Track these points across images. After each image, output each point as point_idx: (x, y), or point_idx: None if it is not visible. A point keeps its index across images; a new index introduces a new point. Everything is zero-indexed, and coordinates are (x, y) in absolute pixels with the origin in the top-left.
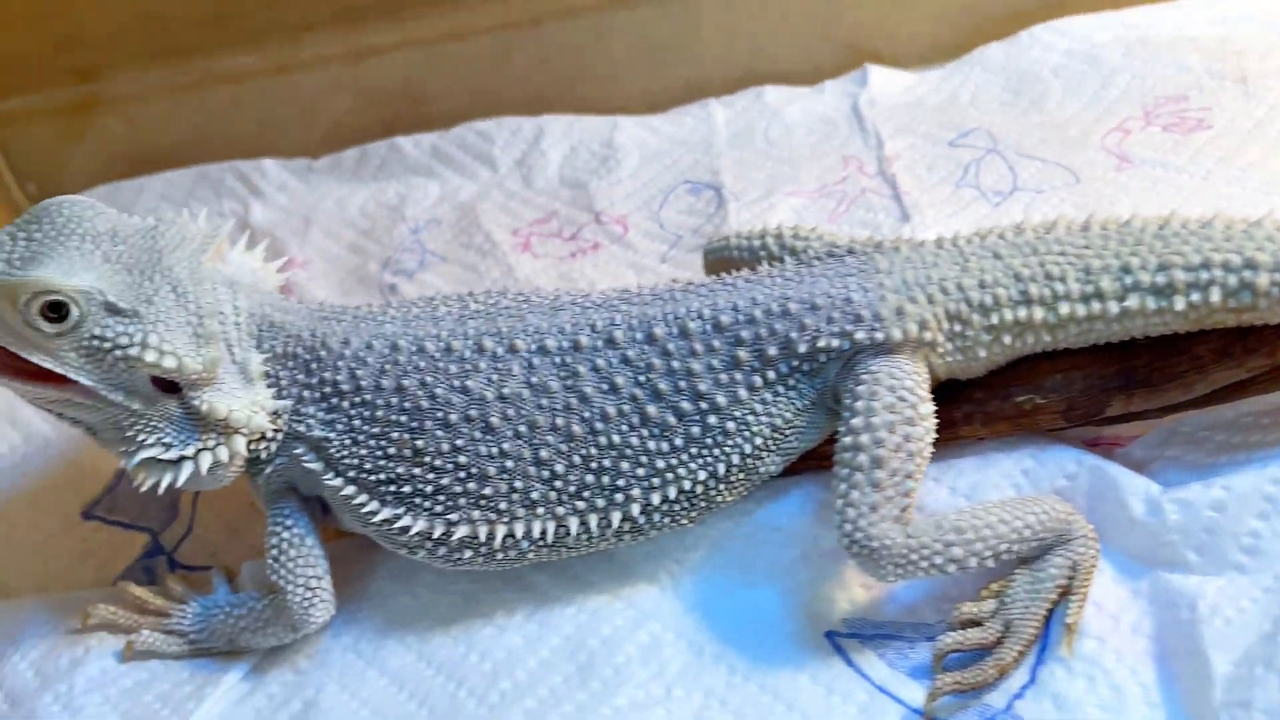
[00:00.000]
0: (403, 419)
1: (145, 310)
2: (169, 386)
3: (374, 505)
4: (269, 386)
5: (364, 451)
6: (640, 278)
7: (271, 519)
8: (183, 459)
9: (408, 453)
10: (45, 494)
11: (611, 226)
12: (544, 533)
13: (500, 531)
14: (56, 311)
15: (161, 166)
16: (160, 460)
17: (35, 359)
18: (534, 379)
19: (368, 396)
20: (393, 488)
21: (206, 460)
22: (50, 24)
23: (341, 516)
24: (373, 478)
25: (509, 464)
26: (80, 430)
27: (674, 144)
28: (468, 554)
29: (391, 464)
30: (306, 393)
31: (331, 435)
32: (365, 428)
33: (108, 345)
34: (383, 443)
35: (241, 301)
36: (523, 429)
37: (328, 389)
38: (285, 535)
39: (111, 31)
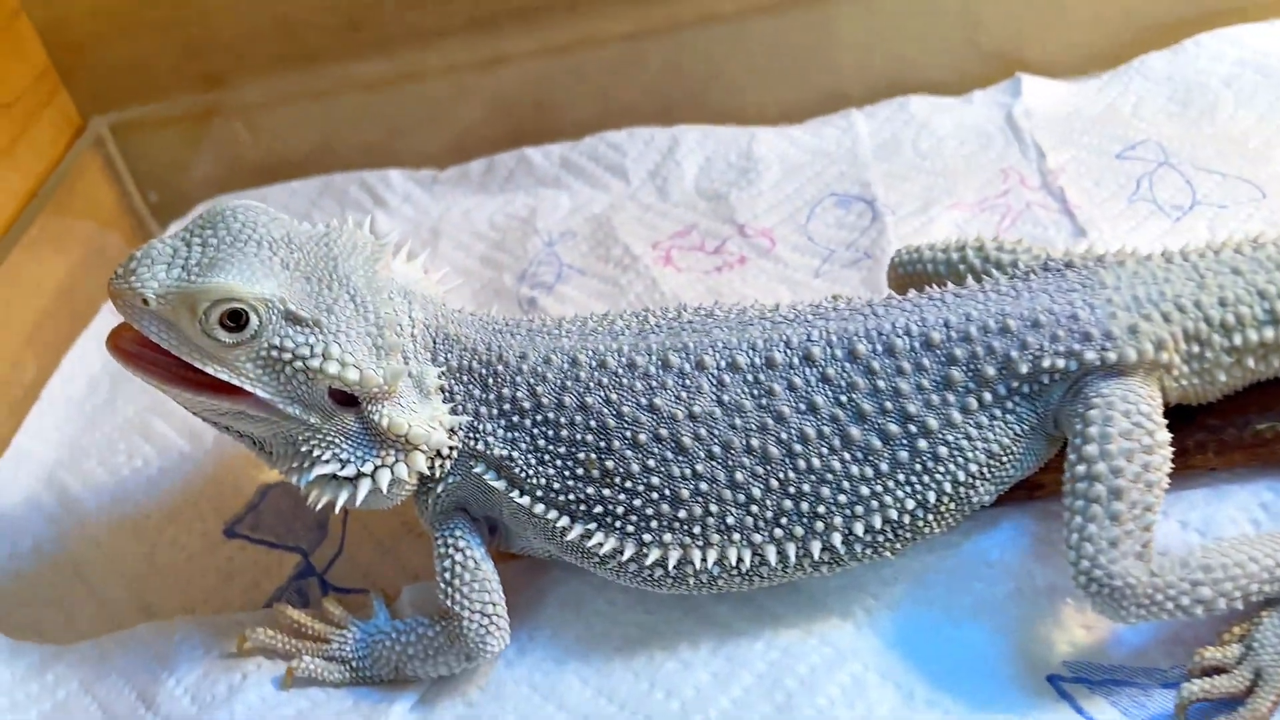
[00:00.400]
0: (589, 438)
1: (326, 320)
2: (346, 400)
3: (564, 521)
4: (445, 401)
5: (551, 471)
6: (795, 294)
7: (441, 540)
8: (360, 476)
9: (596, 473)
10: (184, 511)
11: (757, 240)
12: (740, 560)
13: (695, 556)
14: (235, 321)
15: (285, 176)
16: (336, 478)
17: (210, 370)
18: (725, 397)
19: (550, 415)
20: (583, 506)
21: (385, 478)
22: (179, 30)
23: (518, 536)
24: (561, 497)
25: (703, 486)
26: (245, 445)
27: (816, 155)
28: (658, 574)
29: (580, 484)
30: (484, 409)
31: (515, 454)
32: (550, 447)
33: (287, 356)
34: (569, 463)
35: (417, 312)
36: (716, 450)
37: (506, 405)
38: (458, 558)
39: (240, 37)
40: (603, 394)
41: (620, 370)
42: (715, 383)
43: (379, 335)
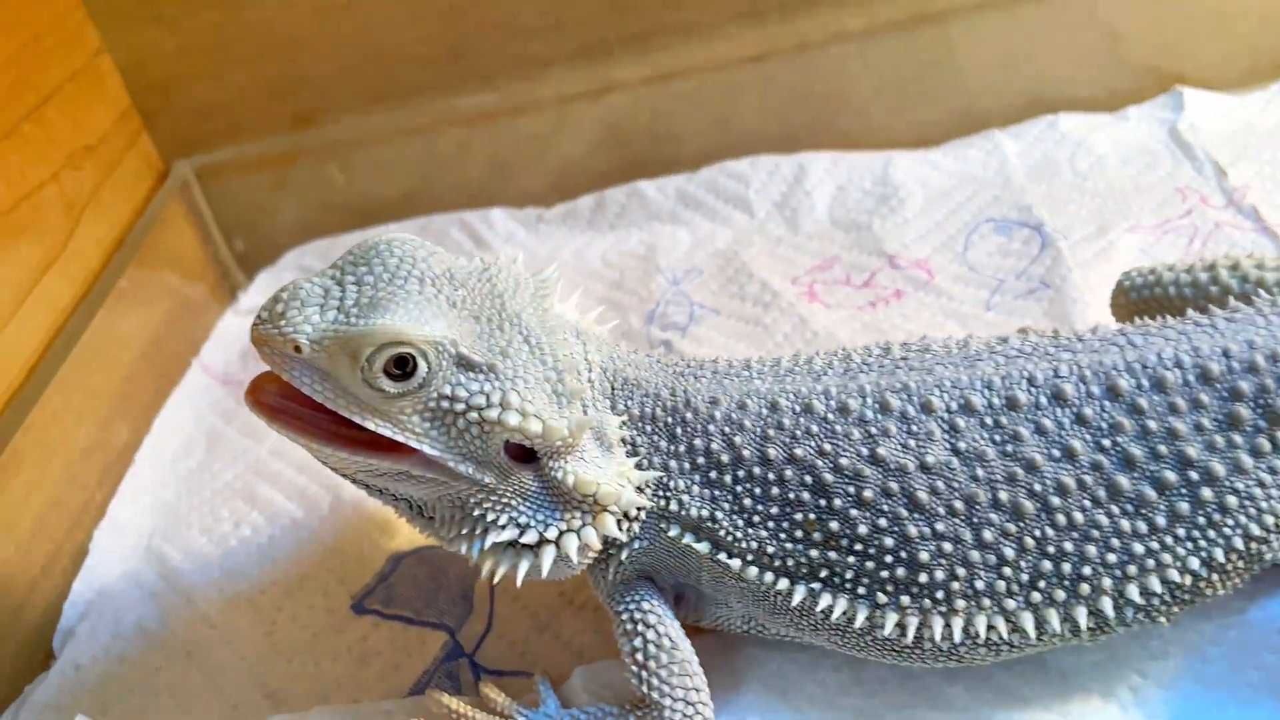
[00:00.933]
0: (804, 496)
1: (502, 364)
2: (522, 456)
3: (784, 584)
4: (629, 455)
5: (763, 533)
6: (966, 328)
7: (628, 614)
8: (543, 543)
9: (818, 536)
10: (304, 584)
11: (912, 271)
12: (990, 629)
13: (936, 624)
14: (402, 368)
15: (380, 219)
16: (515, 545)
17: (371, 425)
18: (962, 444)
19: (754, 469)
20: (805, 569)
21: (572, 544)
22: (267, 66)
23: (716, 606)
24: (779, 561)
25: (946, 547)
26: (400, 510)
27: (962, 180)
28: (892, 643)
29: (800, 547)
30: (673, 463)
31: (718, 515)
32: (759, 506)
33: (460, 407)
34: (785, 524)
35: (593, 354)
36: (958, 505)
37: (700, 459)
38: (652, 635)
39: (333, 73)
40: (813, 444)
41: (831, 416)
42: (947, 428)
43: (559, 381)
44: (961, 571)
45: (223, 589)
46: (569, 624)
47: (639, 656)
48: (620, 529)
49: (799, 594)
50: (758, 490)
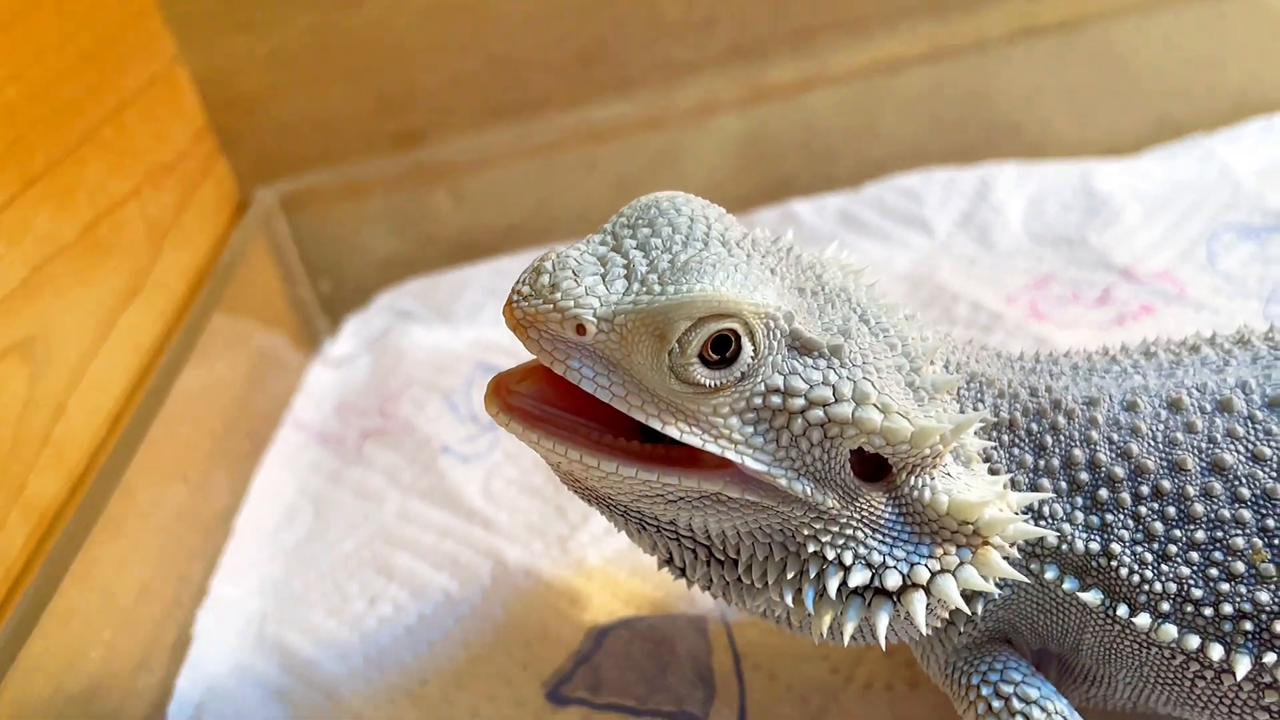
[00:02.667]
0: (1244, 514)
1: (847, 347)
2: (867, 472)
3: (1218, 651)
4: (989, 472)
5: (1185, 570)
6: None
7: (991, 691)
8: (909, 588)
9: (1270, 570)
10: (478, 672)
11: (1156, 284)
12: None
13: None
14: (721, 351)
15: (490, 252)
16: (867, 591)
17: (674, 432)
18: None
19: (1163, 483)
20: (1248, 625)
21: (949, 587)
22: (372, 77)
23: (1097, 681)
24: (1207, 610)
25: None
26: (672, 552)
27: (1179, 187)
28: None
29: (1240, 587)
30: (1045, 480)
31: (1115, 547)
32: (1174, 532)
33: (797, 403)
34: (1215, 555)
35: (932, 343)
36: None
37: (1083, 474)
38: (1039, 713)
39: (446, 82)
40: (1244, 448)
41: (1260, 414)
42: None
43: (913, 371)
44: None
45: (371, 680)
46: (854, 709)
47: None
48: (1008, 569)
49: (1242, 666)
50: (1170, 510)
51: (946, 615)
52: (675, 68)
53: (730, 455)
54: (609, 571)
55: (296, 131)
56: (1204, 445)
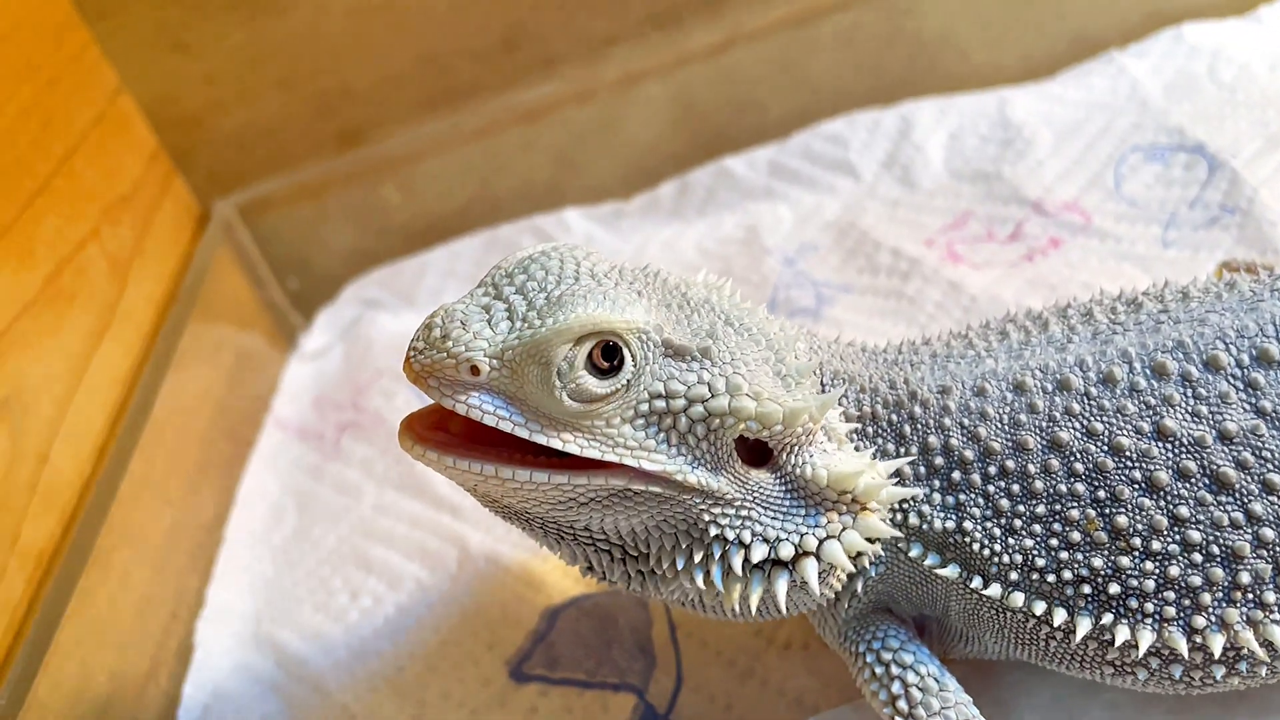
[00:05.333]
0: (1078, 488)
1: (715, 347)
2: (752, 458)
3: (1061, 615)
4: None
5: (1028, 542)
6: (1148, 272)
7: (874, 657)
8: (801, 556)
9: (1103, 537)
10: (449, 655)
11: (1065, 216)
12: None
13: (1277, 636)
14: (609, 359)
15: (442, 236)
16: (766, 565)
17: (575, 448)
18: (1266, 404)
19: (1008, 463)
20: (1086, 588)
21: (836, 552)
22: (307, 85)
23: (967, 640)
24: (1050, 578)
25: (1268, 534)
26: (586, 559)
27: (1091, 110)
28: (1215, 674)
29: (1078, 555)
30: (906, 466)
31: (967, 525)
32: (1020, 508)
33: (679, 403)
34: (1054, 526)
35: (801, 343)
36: (1274, 478)
37: (938, 459)
38: (914, 679)
39: (380, 83)
40: (1079, 425)
41: (1095, 390)
42: (1244, 385)
43: (778, 361)
44: None
45: (354, 671)
46: (776, 668)
47: (902, 705)
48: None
49: (1083, 626)
50: (1015, 488)
51: (840, 583)
52: (595, 42)
53: (628, 461)
54: None
55: (245, 142)
56: (1044, 425)
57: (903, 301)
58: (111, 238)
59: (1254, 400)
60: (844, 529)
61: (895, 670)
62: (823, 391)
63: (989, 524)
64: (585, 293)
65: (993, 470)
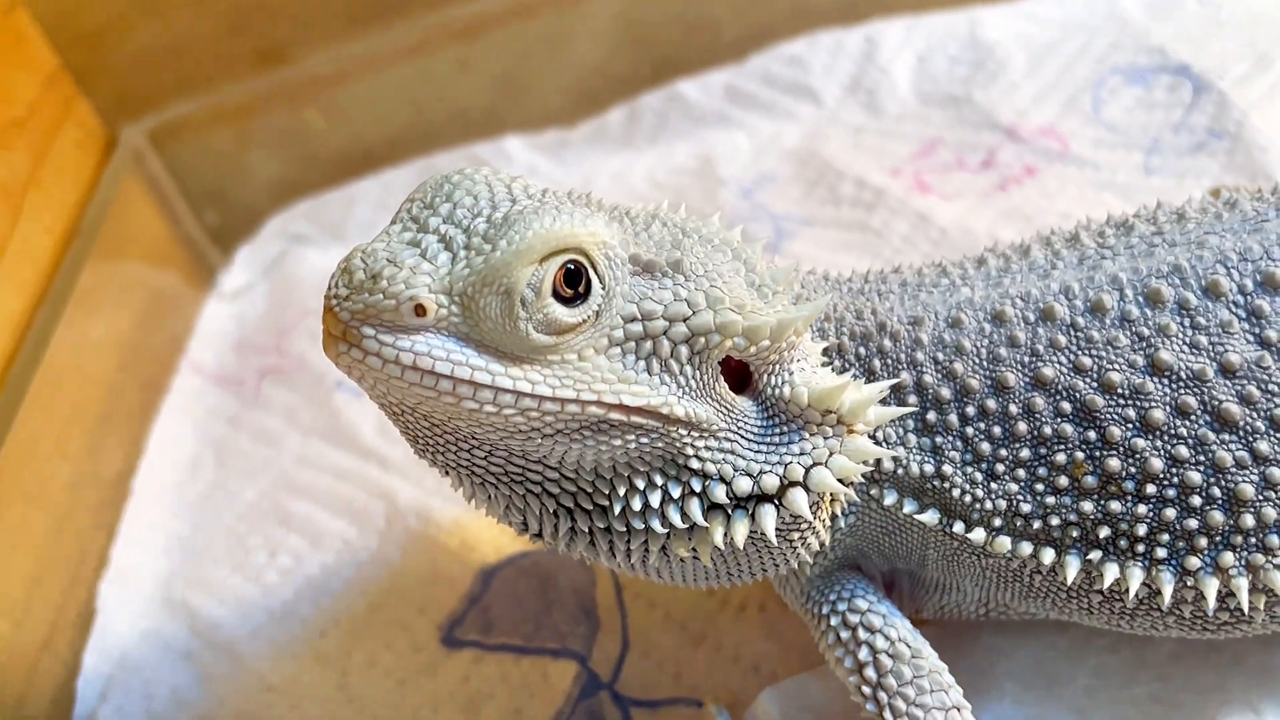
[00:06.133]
0: (1065, 428)
1: (686, 260)
2: (731, 385)
3: (1049, 555)
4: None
5: (1012, 486)
6: (1128, 200)
7: (839, 620)
8: (788, 486)
9: (1092, 480)
10: (376, 620)
11: (1040, 143)
12: None
13: (1276, 582)
14: (574, 285)
15: (374, 166)
16: (749, 501)
17: (547, 390)
18: (1272, 333)
19: (988, 403)
20: (1075, 530)
21: (827, 477)
22: None
23: (944, 591)
24: (1036, 522)
25: (1275, 474)
26: (538, 513)
27: (1067, 29)
28: (1217, 618)
29: (1069, 499)
30: (887, 388)
31: (946, 468)
32: (1002, 451)
33: (659, 325)
34: (1040, 472)
35: (758, 245)
36: None
37: (910, 398)
38: (882, 643)
39: None
40: (1065, 359)
41: (1082, 320)
42: (1247, 314)
43: (749, 271)
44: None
45: (274, 638)
46: (730, 632)
47: (869, 674)
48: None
49: (1072, 567)
50: (996, 430)
51: (825, 533)
52: None
53: (608, 399)
54: None
55: (154, 61)
56: (1026, 359)
57: (867, 235)
58: (3, 165)
59: (1258, 330)
60: (831, 454)
61: (863, 634)
62: (784, 299)
63: (969, 469)
64: (536, 209)
65: (971, 410)
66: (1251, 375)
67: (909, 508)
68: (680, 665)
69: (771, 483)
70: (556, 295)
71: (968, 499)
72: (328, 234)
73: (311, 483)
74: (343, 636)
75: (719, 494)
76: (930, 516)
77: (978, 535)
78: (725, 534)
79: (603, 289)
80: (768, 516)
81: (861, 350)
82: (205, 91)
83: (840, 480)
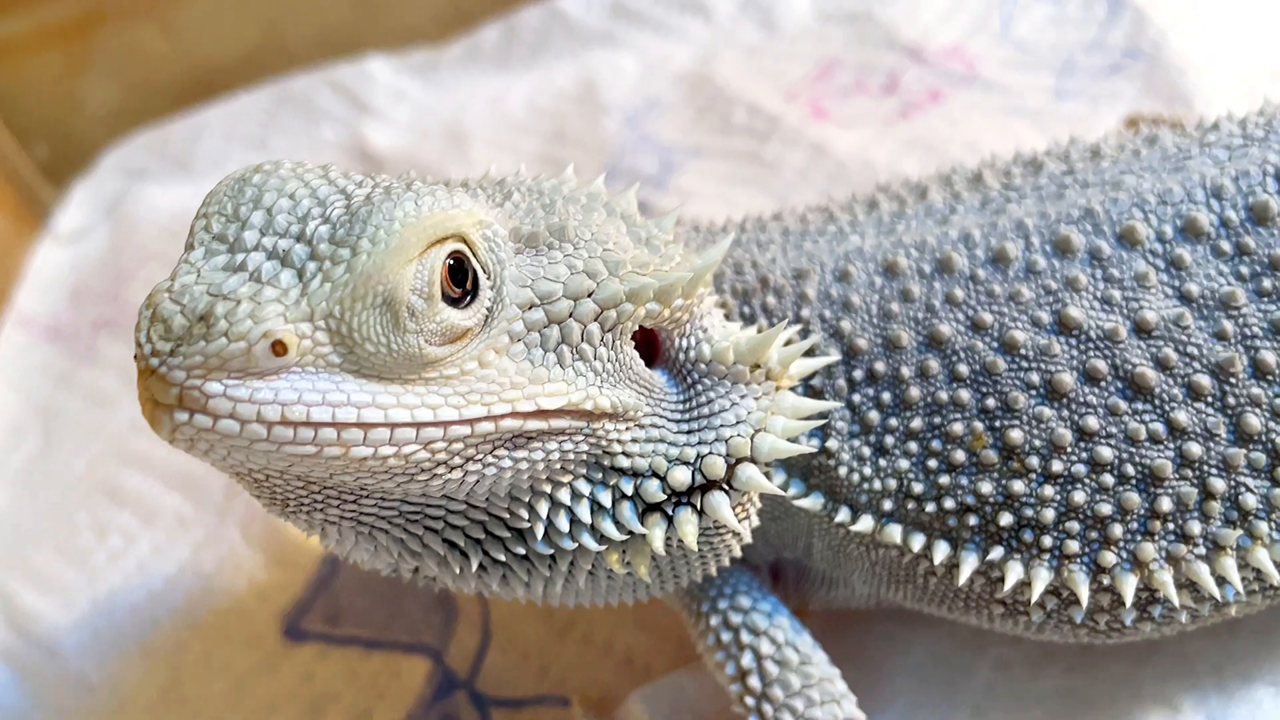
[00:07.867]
0: (963, 396)
1: (570, 225)
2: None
3: (943, 550)
4: None
5: (903, 464)
6: (1041, 128)
7: (719, 620)
8: (736, 464)
9: (991, 456)
10: (211, 606)
11: (948, 65)
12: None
13: (1202, 574)
14: (460, 283)
15: (222, 90)
16: (692, 494)
17: (452, 412)
18: (1193, 286)
19: (876, 365)
20: (973, 518)
21: (775, 444)
22: None
23: (831, 585)
24: (929, 507)
25: (1193, 450)
26: (438, 555)
27: None
28: (1125, 617)
29: (962, 479)
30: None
31: (832, 444)
32: (890, 421)
33: (562, 305)
34: (934, 444)
35: (629, 194)
36: (1202, 381)
37: None
38: (768, 648)
39: None
40: (964, 316)
41: (983, 272)
42: (1166, 264)
43: (632, 226)
44: (1220, 485)
45: (97, 630)
46: (601, 621)
47: (753, 682)
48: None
49: (969, 564)
50: (886, 397)
51: (755, 506)
52: None
53: (522, 406)
54: None
55: None
56: (921, 316)
57: (760, 167)
58: None
59: (1178, 283)
60: (769, 414)
61: (746, 637)
62: (677, 251)
63: (856, 441)
64: (390, 196)
65: (858, 375)
66: (1169, 335)
67: (794, 490)
68: (546, 658)
69: (716, 465)
70: (445, 296)
71: (855, 478)
72: (172, 167)
73: (146, 451)
74: (176, 628)
75: (654, 491)
76: (814, 502)
77: (865, 523)
78: (666, 536)
79: (489, 279)
80: (722, 506)
81: (745, 309)
82: (28, 7)
83: (790, 442)
